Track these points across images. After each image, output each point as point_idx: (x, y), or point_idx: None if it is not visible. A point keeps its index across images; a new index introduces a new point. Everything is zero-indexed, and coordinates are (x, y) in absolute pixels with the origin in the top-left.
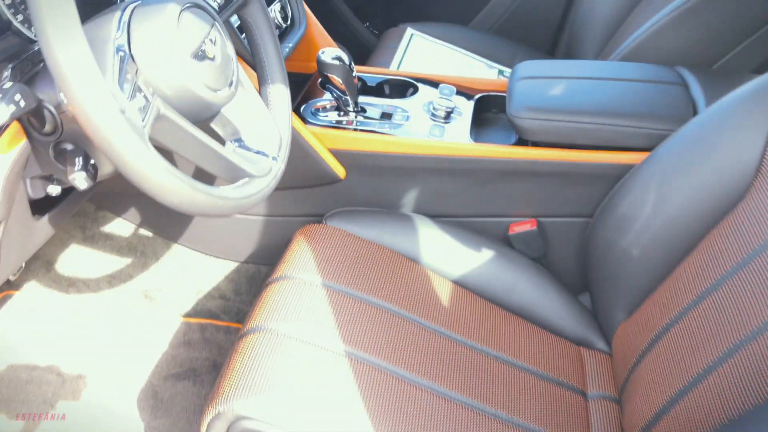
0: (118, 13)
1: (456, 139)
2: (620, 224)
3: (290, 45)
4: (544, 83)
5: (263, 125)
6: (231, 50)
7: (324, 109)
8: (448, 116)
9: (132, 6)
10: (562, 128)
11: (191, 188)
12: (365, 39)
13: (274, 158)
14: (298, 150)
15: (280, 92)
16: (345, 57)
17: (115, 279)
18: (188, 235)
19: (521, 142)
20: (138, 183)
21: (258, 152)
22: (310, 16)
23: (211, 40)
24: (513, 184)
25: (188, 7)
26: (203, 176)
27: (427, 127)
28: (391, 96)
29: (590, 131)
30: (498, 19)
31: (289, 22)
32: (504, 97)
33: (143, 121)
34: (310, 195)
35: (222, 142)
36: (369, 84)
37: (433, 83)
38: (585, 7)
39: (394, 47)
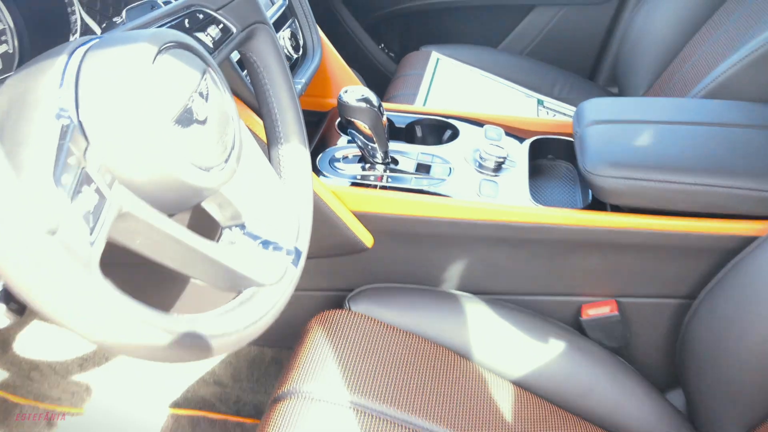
0: (62, 58)
1: (513, 199)
2: (738, 315)
3: (303, 80)
4: (624, 129)
5: (275, 204)
6: (230, 105)
7: (345, 159)
8: (499, 167)
9: (84, 47)
10: (655, 190)
11: (168, 335)
12: (381, 63)
13: (289, 252)
14: (314, 213)
15: (298, 156)
16: (373, 98)
17: (87, 362)
18: (179, 307)
19: (597, 203)
20: (82, 336)
21: (267, 244)
22: (325, 44)
23: (201, 95)
24: (588, 257)
25: (168, 48)
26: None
27: (476, 183)
28: (425, 140)
29: (694, 194)
30: (531, 42)
31: (301, 52)
32: (563, 141)
33: (92, 233)
34: (330, 267)
35: (216, 231)
36: (396, 125)
37: (476, 123)
38: (635, 29)
39: (418, 75)
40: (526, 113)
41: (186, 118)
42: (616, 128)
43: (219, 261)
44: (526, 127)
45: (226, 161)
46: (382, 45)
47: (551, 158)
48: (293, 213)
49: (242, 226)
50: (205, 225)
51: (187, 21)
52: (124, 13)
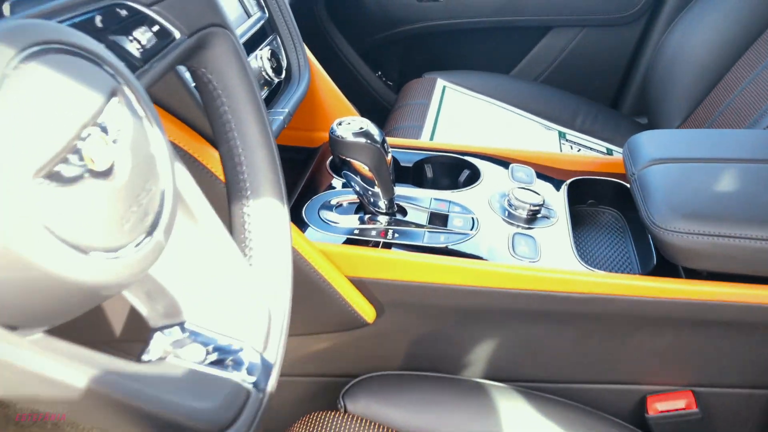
0: None
1: (557, 260)
2: None
3: (286, 110)
4: (698, 170)
5: (233, 293)
6: (158, 146)
7: (339, 208)
8: (534, 217)
9: None
10: (747, 249)
11: None
12: (379, 93)
13: (252, 368)
14: (297, 280)
15: (271, 217)
16: (374, 131)
17: None
18: None
19: (664, 265)
20: None
21: (220, 353)
22: (315, 67)
23: (103, 130)
24: (656, 336)
25: (43, 52)
26: None
27: (507, 238)
28: (437, 183)
29: None
30: (547, 67)
31: (284, 75)
32: (607, 183)
33: None
34: (320, 347)
35: (141, 333)
36: (402, 164)
37: (499, 161)
38: (668, 52)
39: (422, 104)
40: (549, 148)
41: (68, 170)
42: (686, 169)
43: (136, 402)
44: (560, 165)
45: (147, 236)
46: (380, 73)
47: (592, 204)
48: (261, 307)
49: (182, 327)
50: (128, 324)
51: (99, 18)
52: (5, 6)
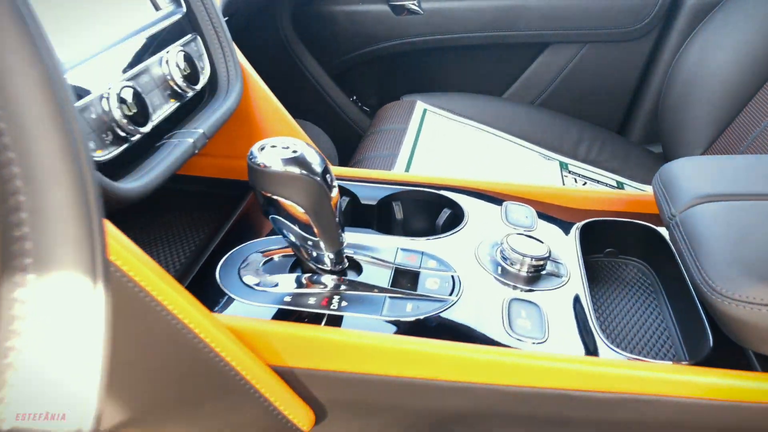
0: None
1: (571, 341)
2: None
3: (200, 131)
4: (760, 211)
5: None
6: None
7: (269, 263)
8: (537, 274)
9: None
10: None
11: None
12: (353, 119)
13: None
14: (198, 373)
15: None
16: (312, 157)
17: None
18: None
19: (725, 348)
20: None
21: None
22: (251, 78)
23: None
24: None
25: None
26: None
27: (500, 308)
28: (408, 227)
29: None
30: (544, 89)
31: (205, 83)
32: (627, 226)
33: None
34: None
35: None
36: (364, 202)
37: (490, 197)
38: (685, 70)
39: (398, 130)
40: (549, 182)
41: None
42: (751, 210)
43: None
44: (567, 202)
45: None
46: (355, 97)
47: (611, 253)
48: None
49: None
50: None
51: None
52: None
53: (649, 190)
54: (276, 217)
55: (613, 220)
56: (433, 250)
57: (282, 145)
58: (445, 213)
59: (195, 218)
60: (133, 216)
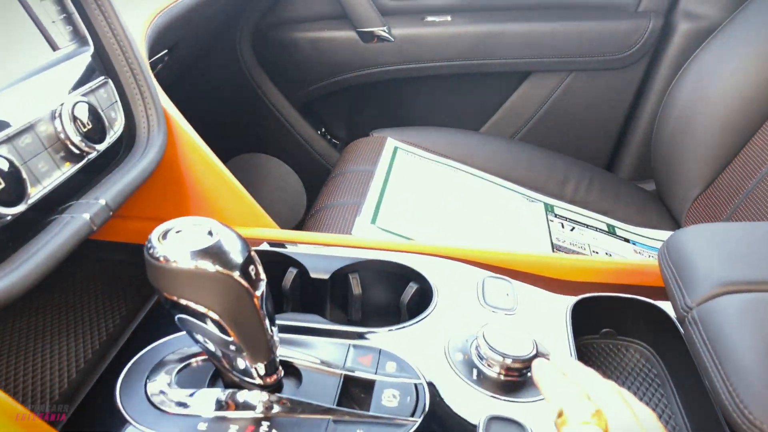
0: None
1: None
2: None
3: (101, 201)
4: None
5: None
6: None
7: (186, 371)
8: (521, 379)
9: None
10: None
11: None
12: (321, 154)
13: None
14: None
15: None
16: (231, 242)
17: None
18: None
19: None
20: None
21: None
22: (175, 124)
23: None
24: None
25: None
26: None
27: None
28: (368, 304)
29: None
30: (526, 122)
31: (118, 138)
32: (630, 302)
33: None
34: None
35: None
36: (315, 275)
37: (465, 269)
38: (680, 101)
39: (365, 172)
40: (534, 227)
41: None
42: None
43: None
44: (555, 273)
45: None
46: (323, 130)
47: (608, 334)
48: None
49: None
50: None
51: None
52: None
53: (642, 233)
54: (184, 317)
55: (610, 296)
56: (394, 346)
57: (190, 230)
58: (411, 288)
59: (107, 298)
60: (28, 295)
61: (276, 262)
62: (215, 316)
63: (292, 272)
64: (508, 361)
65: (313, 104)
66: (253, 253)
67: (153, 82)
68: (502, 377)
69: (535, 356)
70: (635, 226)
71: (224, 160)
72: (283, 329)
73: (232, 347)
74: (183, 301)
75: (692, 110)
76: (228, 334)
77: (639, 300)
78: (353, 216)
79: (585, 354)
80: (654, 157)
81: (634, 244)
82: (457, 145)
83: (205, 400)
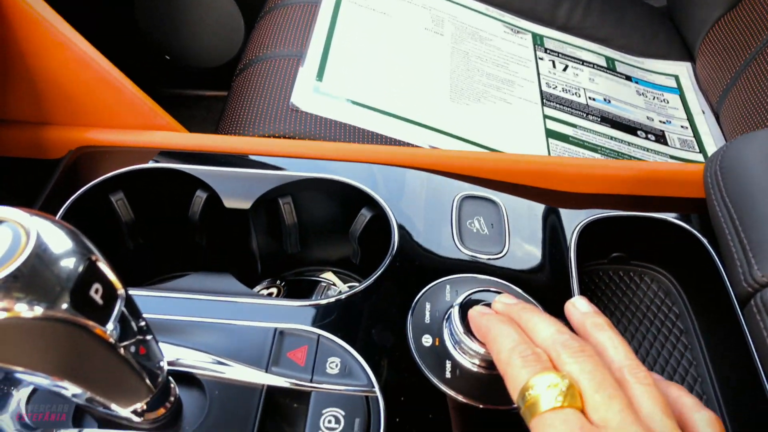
0: None
1: None
2: None
3: None
4: None
5: None
6: None
7: (40, 396)
8: None
9: None
10: None
11: None
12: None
13: None
14: None
15: None
16: (58, 251)
17: None
18: None
19: None
20: None
21: None
22: None
23: None
24: None
25: None
26: None
27: None
28: (306, 240)
29: None
30: None
31: None
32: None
33: None
34: None
35: None
36: (231, 205)
37: (434, 183)
38: None
39: (308, 4)
40: (519, 63)
41: None
42: None
43: None
44: (551, 183)
45: None
46: None
47: (619, 259)
48: None
49: None
50: None
51: None
52: None
53: (646, 66)
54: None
55: (625, 215)
56: (338, 324)
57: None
58: (364, 217)
59: None
60: None
61: (178, 183)
62: (47, 380)
63: (200, 197)
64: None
65: None
66: (96, 255)
67: None
68: (484, 372)
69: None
70: (638, 56)
71: None
72: (180, 308)
73: (91, 398)
74: None
75: None
76: (77, 390)
77: (660, 219)
78: (292, 75)
79: (589, 284)
80: None
81: (636, 82)
82: None
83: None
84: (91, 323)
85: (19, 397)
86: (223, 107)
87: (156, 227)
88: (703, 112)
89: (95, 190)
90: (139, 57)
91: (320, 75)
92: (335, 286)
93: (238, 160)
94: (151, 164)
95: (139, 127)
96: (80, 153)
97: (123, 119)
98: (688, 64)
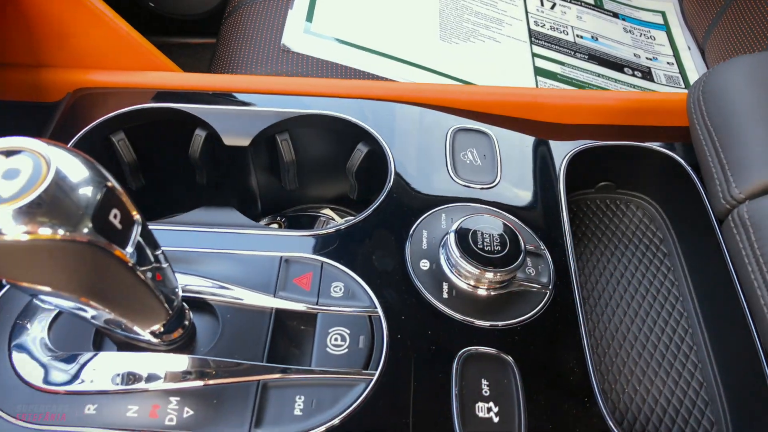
0: None
1: None
2: None
3: None
4: None
5: None
6: None
7: (62, 325)
8: (505, 292)
9: None
10: None
11: None
12: None
13: None
14: None
15: None
16: (76, 180)
17: None
18: None
19: None
20: None
21: None
22: None
23: None
24: None
25: None
26: None
27: (451, 376)
28: (304, 176)
29: None
30: None
31: None
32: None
33: None
34: None
35: None
36: (230, 142)
37: (426, 118)
38: None
39: None
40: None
41: None
42: None
43: None
44: (542, 115)
45: None
46: None
47: (605, 188)
48: None
49: None
50: None
51: None
52: None
53: (634, 2)
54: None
55: (612, 145)
56: (340, 252)
57: (5, 171)
58: (360, 152)
59: None
60: None
61: (177, 122)
62: (72, 300)
63: (200, 136)
64: (487, 278)
65: None
66: (112, 183)
67: None
68: (480, 292)
69: (523, 261)
70: None
71: None
72: (189, 240)
73: (112, 319)
74: (22, 284)
75: None
76: (101, 310)
77: (645, 148)
78: (282, 17)
79: (577, 213)
80: None
81: (623, 19)
82: None
83: (91, 370)
84: (112, 245)
85: (41, 327)
86: (213, 52)
87: (157, 167)
88: (689, 48)
89: (97, 130)
90: (123, 4)
91: (310, 16)
92: (334, 221)
93: (235, 99)
94: (150, 104)
95: (136, 68)
96: (79, 95)
97: (120, 60)
98: (675, 0)
